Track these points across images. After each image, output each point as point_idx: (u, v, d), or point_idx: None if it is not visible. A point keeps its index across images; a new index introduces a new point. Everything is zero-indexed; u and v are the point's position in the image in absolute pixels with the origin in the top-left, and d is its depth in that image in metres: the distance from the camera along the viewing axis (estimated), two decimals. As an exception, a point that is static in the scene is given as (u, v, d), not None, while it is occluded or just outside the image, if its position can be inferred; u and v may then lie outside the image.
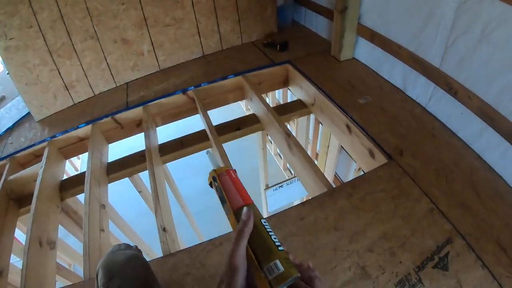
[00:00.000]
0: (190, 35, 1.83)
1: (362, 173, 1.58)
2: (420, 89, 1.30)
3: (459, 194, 1.00)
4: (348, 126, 1.30)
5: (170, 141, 1.59)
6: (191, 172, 3.37)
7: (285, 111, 1.60)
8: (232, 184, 0.41)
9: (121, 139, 1.73)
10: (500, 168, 1.03)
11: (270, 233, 0.38)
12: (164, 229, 1.06)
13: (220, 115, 1.98)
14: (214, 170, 0.44)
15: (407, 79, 1.35)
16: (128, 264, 0.65)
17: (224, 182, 0.41)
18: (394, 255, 0.87)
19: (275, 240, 0.37)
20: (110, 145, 1.70)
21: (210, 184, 0.44)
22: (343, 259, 0.87)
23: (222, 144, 1.36)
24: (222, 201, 0.41)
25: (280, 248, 0.37)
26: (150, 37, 1.74)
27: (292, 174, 2.20)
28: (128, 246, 0.75)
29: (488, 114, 0.96)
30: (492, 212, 0.96)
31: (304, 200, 1.76)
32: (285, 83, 1.76)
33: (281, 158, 3.52)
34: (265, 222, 0.40)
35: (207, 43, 1.92)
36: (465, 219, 0.94)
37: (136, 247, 0.79)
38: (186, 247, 0.97)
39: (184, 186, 2.65)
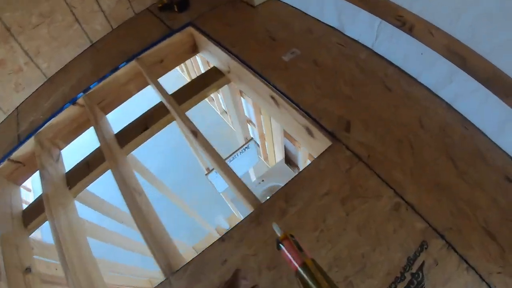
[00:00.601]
0: (67, 26, 1.44)
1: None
2: (362, 26, 0.94)
3: (431, 168, 0.74)
4: (273, 98, 0.95)
5: (75, 166, 1.27)
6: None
7: (201, 85, 1.23)
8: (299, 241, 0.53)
9: (31, 176, 1.40)
10: (478, 119, 0.75)
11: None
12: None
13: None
14: (285, 232, 0.54)
15: (343, 15, 0.98)
16: None
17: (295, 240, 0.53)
18: (352, 287, 0.62)
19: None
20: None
21: (278, 245, 0.53)
22: (285, 309, 0.62)
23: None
24: (300, 249, 0.51)
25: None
26: (22, 47, 1.37)
27: (238, 144, 1.92)
28: None
29: (458, 53, 0.64)
30: (475, 185, 0.72)
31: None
32: (194, 50, 1.35)
33: (227, 113, 3.12)
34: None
35: (91, 28, 1.50)
36: (442, 206, 0.69)
37: None
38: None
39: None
